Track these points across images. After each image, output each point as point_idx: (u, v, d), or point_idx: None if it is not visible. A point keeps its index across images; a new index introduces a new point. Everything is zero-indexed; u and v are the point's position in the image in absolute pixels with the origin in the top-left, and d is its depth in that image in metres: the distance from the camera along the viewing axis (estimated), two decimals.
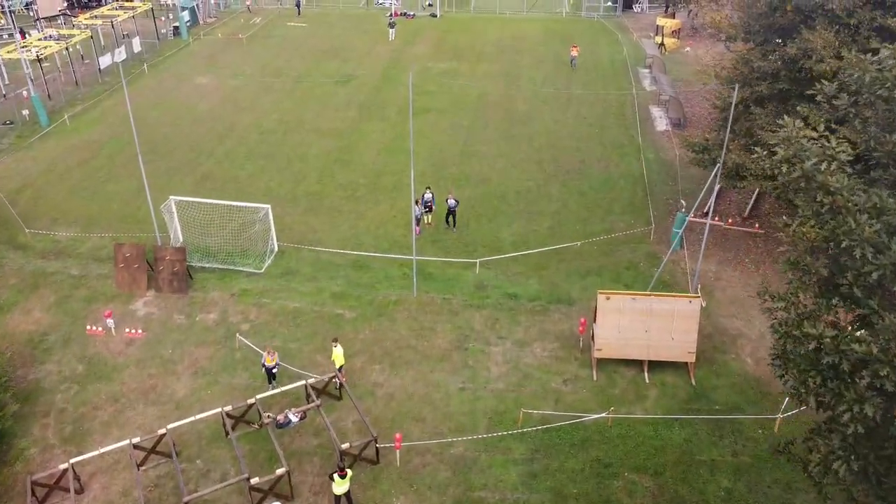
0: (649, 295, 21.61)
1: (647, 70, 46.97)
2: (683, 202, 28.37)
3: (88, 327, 23.55)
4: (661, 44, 50.22)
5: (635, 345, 21.39)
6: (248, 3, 64.06)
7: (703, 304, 23.46)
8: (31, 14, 57.02)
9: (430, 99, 42.15)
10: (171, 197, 27.15)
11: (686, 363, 21.67)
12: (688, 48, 50.93)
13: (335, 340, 21.30)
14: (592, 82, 44.67)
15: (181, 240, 27.14)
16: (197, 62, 49.37)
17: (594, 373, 21.62)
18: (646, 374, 21.52)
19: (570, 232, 28.58)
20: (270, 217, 26.71)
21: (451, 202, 28.69)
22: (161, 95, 42.99)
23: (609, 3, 62.74)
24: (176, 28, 55.33)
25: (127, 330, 23.46)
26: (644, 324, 21.15)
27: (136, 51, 49.90)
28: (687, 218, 26.66)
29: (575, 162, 34.30)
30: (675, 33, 51.93)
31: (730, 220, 28.87)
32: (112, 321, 23.44)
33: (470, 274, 26.22)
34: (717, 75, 34.33)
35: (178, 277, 25.05)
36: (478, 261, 26.46)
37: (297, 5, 61.62)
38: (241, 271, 26.28)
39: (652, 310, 21.03)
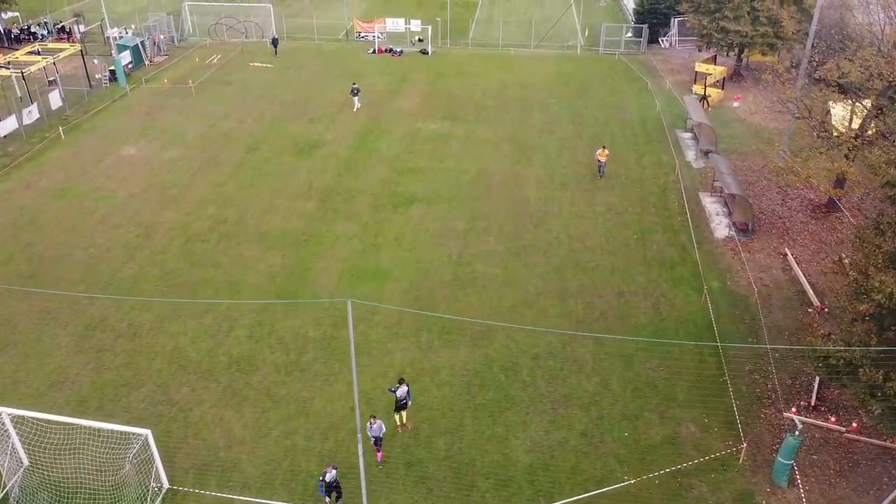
0: None
1: (688, 134, 37.50)
2: (795, 418, 18.55)
3: None
4: (704, 97, 40.68)
5: None
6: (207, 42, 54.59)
7: None
8: None
9: (416, 182, 32.64)
10: (1, 410, 17.58)
11: None
12: (736, 102, 41.37)
13: None
14: (622, 153, 35.15)
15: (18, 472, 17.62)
16: (130, 122, 39.77)
17: None
18: None
19: (616, 442, 19.04)
20: (153, 446, 17.15)
21: (401, 392, 19.21)
22: (71, 176, 33.42)
23: (629, 35, 53.18)
24: (113, 73, 45.79)
25: None
26: None
27: (54, 107, 40.44)
28: (800, 442, 17.24)
29: (611, 295, 24.76)
30: (719, 82, 42.39)
31: (853, 425, 19.30)
32: None
33: None
34: (813, 180, 25.06)
35: None
36: None
37: (274, 44, 51.62)
38: None
39: None
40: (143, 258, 27.06)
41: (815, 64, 28.03)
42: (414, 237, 28.29)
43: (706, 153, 34.78)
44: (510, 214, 29.82)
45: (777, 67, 28.38)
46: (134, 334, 23.10)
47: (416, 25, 53.79)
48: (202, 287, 25.43)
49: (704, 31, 42.50)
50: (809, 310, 23.88)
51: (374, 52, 52.32)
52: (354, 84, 41.44)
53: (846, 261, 25.85)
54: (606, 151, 32.40)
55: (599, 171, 32.55)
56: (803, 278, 25.10)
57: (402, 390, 19.10)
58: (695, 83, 43.40)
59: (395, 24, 54.26)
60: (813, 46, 29.81)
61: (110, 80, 45.64)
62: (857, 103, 26.91)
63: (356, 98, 40.85)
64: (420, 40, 54.15)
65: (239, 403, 20.44)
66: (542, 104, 41.88)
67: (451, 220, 29.45)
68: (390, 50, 52.40)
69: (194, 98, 43.06)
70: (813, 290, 24.63)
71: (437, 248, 27.55)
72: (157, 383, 21.10)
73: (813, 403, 19.87)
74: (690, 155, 35.32)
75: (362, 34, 55.39)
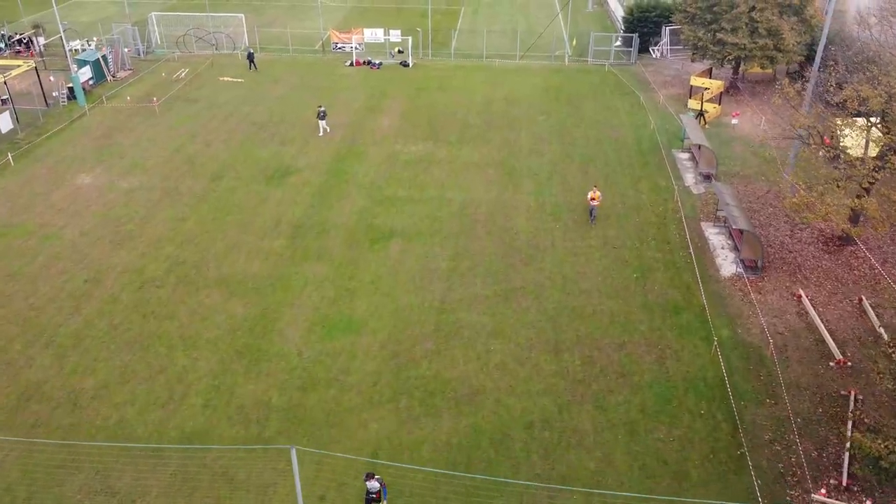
0: None
1: (686, 155, 35.20)
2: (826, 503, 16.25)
3: None
4: (701, 113, 38.40)
5: None
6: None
7: None
8: None
9: (395, 213, 30.04)
10: None
11: None
12: (734, 119, 39.11)
13: None
14: (617, 177, 32.77)
15: None
16: (86, 146, 36.83)
17: None
18: None
19: None
20: None
21: (371, 485, 16.70)
22: (16, 211, 30.47)
23: (619, 45, 50.81)
24: (71, 90, 42.75)
25: None
26: None
27: (5, 130, 37.41)
28: None
29: (611, 348, 22.28)
30: (716, 97, 40.12)
31: None
32: None
33: None
34: (832, 217, 22.80)
35: None
36: None
37: (250, 59, 48.55)
38: None
39: None
40: (91, 309, 24.22)
41: (827, 86, 25.66)
42: (392, 279, 25.69)
43: (706, 177, 32.48)
44: (498, 251, 27.31)
45: (787, 91, 25.88)
46: (74, 404, 20.32)
47: (395, 36, 51.14)
48: (155, 343, 22.66)
49: (700, 43, 40.27)
50: (831, 363, 21.56)
51: (351, 64, 49.62)
52: (321, 107, 38.46)
53: (867, 303, 23.69)
54: (598, 193, 28.99)
55: (591, 217, 28.99)
56: (822, 326, 22.78)
57: (372, 484, 16.55)
58: (690, 97, 41.17)
59: (373, 35, 51.55)
60: (823, 66, 27.54)
61: (69, 98, 42.64)
62: (875, 129, 24.71)
63: (323, 122, 38.04)
64: (400, 52, 51.52)
65: (191, 492, 17.76)
66: (529, 122, 39.42)
67: (432, 259, 26.88)
68: (369, 62, 49.73)
69: (158, 118, 40.19)
70: (832, 338, 22.33)
71: (418, 293, 24.96)
72: (96, 468, 18.37)
73: (844, 483, 17.54)
74: (689, 179, 32.98)
75: (339, 45, 52.65)
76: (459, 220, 29.49)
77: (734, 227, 26.03)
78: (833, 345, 22.02)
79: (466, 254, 27.20)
